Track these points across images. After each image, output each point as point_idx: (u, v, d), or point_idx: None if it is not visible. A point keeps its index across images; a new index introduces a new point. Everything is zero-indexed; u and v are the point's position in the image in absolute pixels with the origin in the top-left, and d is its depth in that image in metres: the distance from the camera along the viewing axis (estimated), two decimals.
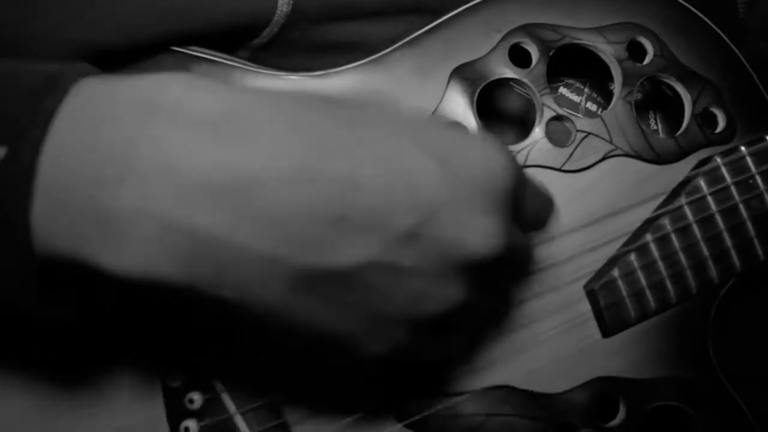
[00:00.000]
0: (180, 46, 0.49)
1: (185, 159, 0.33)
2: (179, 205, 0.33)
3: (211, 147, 0.33)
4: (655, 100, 0.59)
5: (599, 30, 0.53)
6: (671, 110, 0.57)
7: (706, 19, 0.55)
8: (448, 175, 0.36)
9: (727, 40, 0.55)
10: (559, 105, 0.53)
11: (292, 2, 0.49)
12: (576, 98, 0.61)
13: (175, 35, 0.48)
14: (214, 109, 0.34)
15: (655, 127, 0.60)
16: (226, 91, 0.36)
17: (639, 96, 0.57)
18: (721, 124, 0.54)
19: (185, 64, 0.49)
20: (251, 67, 0.50)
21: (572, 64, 0.56)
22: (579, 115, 0.55)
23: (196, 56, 0.50)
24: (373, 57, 0.51)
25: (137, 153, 0.33)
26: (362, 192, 0.35)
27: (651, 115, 0.60)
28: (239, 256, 0.34)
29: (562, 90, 0.60)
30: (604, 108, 0.57)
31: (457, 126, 0.48)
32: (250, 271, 0.34)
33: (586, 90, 0.60)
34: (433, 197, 0.36)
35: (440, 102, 0.50)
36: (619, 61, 0.53)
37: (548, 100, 0.52)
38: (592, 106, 0.60)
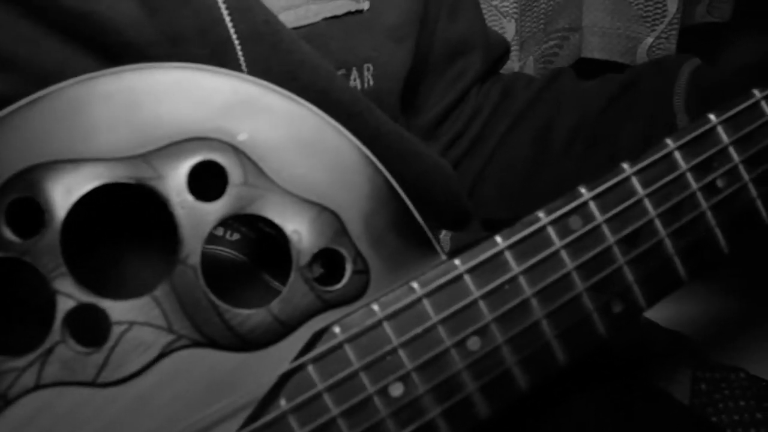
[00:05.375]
0: None
1: None
2: None
3: None
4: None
5: (144, 158, 0.35)
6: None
7: (323, 115, 0.37)
8: None
9: (359, 145, 0.38)
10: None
11: None
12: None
13: None
14: None
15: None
16: None
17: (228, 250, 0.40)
18: (348, 271, 0.37)
19: None
20: None
21: None
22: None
23: None
24: None
25: None
26: None
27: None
28: None
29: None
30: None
31: None
32: None
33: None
34: None
35: None
36: (179, 202, 0.35)
37: (64, 281, 0.34)
38: None
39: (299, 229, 0.36)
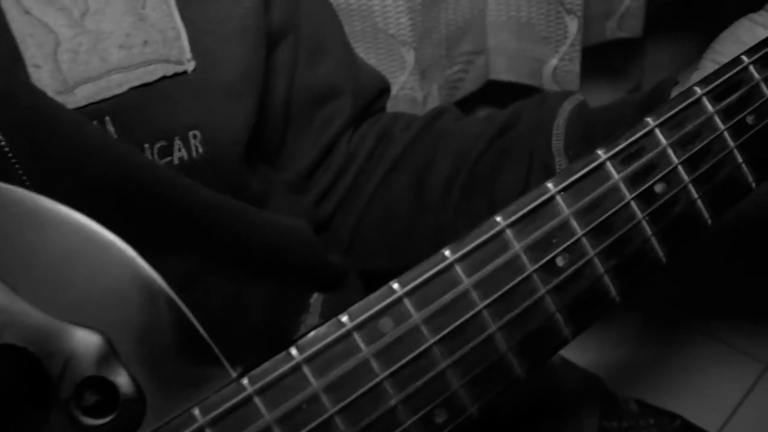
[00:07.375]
0: None
1: None
2: None
3: None
4: None
5: None
6: None
7: (86, 221, 0.33)
8: None
9: (132, 253, 0.33)
10: None
11: None
12: None
13: None
14: None
15: None
16: None
17: None
18: (120, 401, 0.32)
19: None
20: None
21: None
22: None
23: None
24: None
25: None
26: None
27: None
28: None
29: None
30: None
31: None
32: None
33: None
34: None
35: None
36: None
37: None
38: None
39: (60, 357, 0.31)
